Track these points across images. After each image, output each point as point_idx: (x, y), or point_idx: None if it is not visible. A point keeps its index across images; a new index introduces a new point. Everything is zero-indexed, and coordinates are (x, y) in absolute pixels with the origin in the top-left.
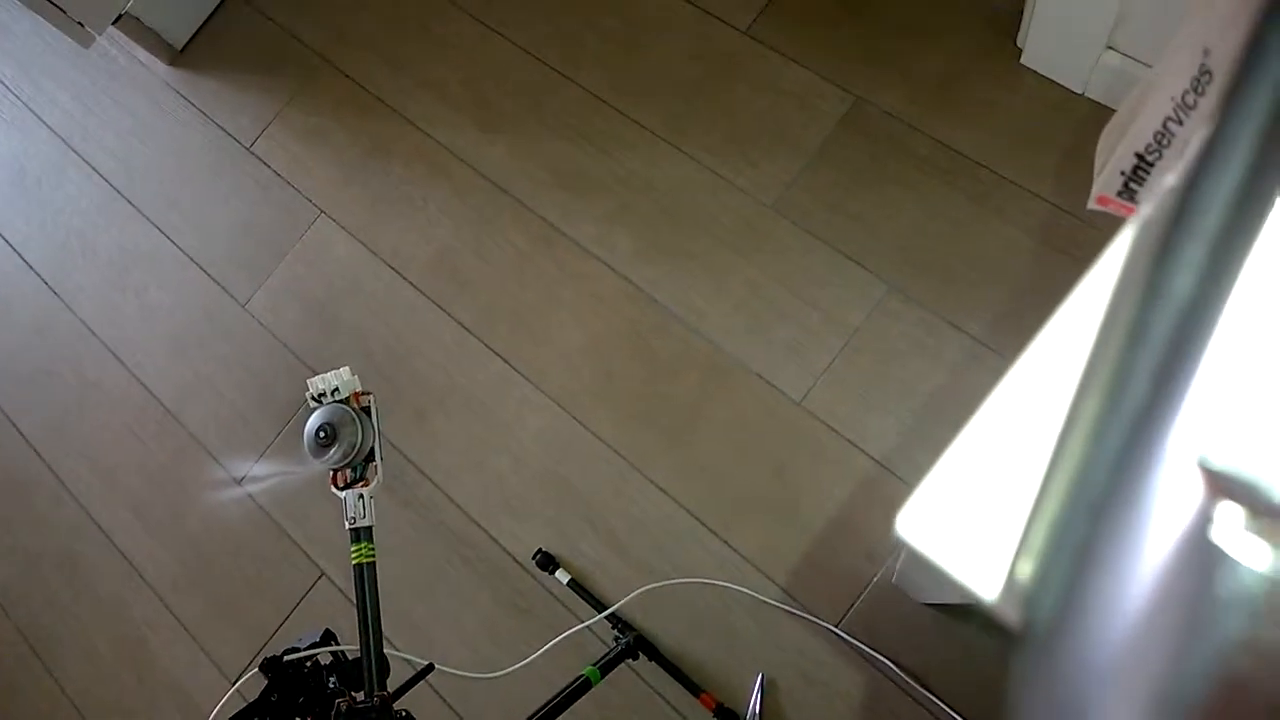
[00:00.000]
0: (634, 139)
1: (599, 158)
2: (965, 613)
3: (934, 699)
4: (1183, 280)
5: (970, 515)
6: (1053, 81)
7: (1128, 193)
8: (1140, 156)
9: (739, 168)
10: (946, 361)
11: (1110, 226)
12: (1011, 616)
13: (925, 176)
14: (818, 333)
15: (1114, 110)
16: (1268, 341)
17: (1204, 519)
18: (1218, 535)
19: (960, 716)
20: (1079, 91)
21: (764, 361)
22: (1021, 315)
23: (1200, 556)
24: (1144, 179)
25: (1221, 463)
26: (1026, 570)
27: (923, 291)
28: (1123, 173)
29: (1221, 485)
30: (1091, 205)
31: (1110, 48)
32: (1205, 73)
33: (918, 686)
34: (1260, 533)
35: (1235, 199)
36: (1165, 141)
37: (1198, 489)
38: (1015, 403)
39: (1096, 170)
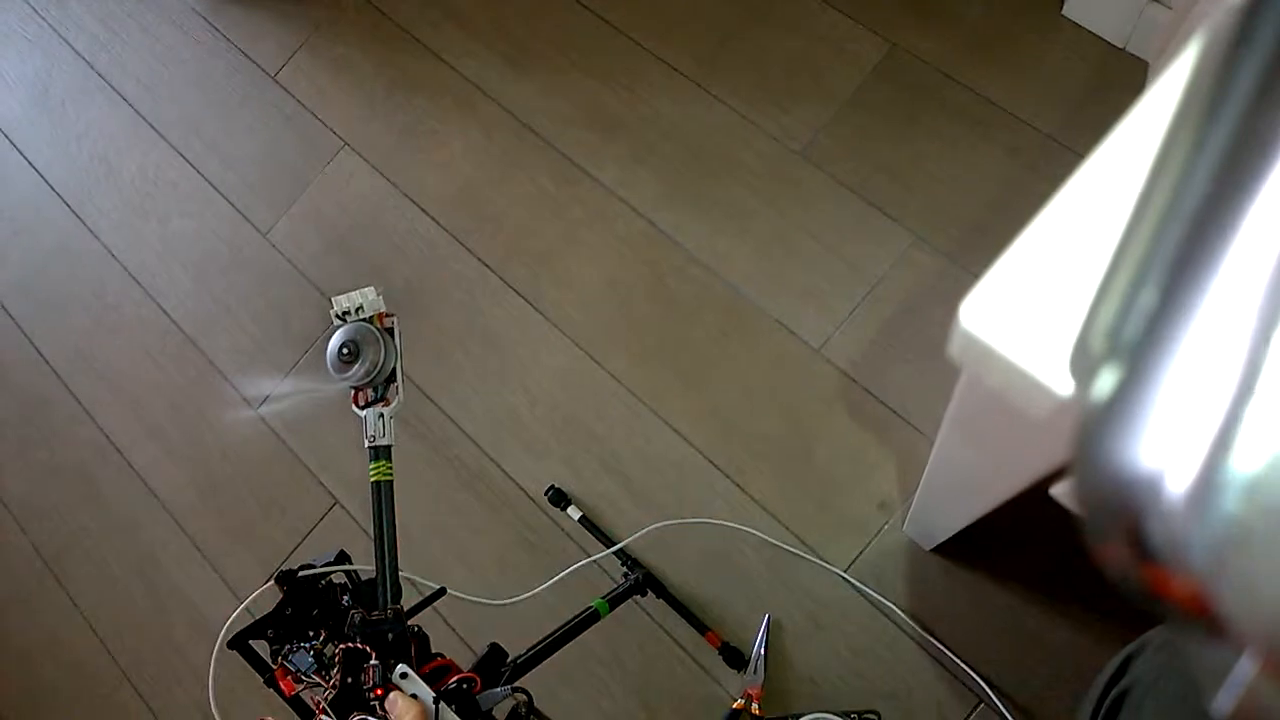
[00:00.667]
0: (663, 80)
1: (627, 98)
2: (972, 556)
3: (940, 646)
4: None
5: (1035, 304)
6: (1095, 35)
7: None
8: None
9: (769, 113)
10: None
11: None
12: (1075, 387)
13: (959, 127)
14: (840, 281)
15: None
16: None
17: None
18: None
19: (966, 664)
20: (1121, 46)
21: (784, 308)
22: None
23: None
24: None
25: None
26: (1109, 312)
27: (950, 244)
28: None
29: None
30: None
31: (1155, 0)
32: None
33: (924, 634)
34: None
35: None
36: None
37: None
38: (1082, 201)
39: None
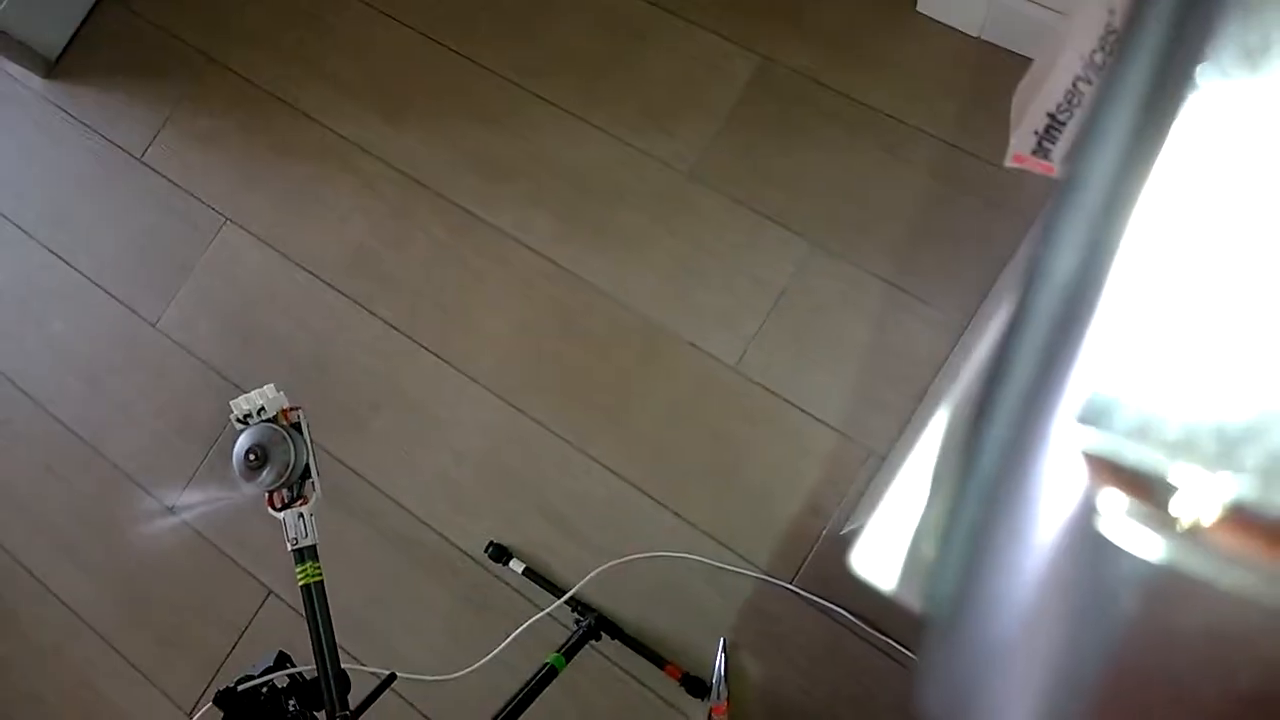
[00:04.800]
0: (544, 117)
1: (510, 139)
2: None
3: (891, 642)
4: (1065, 261)
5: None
6: (948, 26)
7: (1042, 151)
8: (1052, 116)
9: (653, 137)
10: (872, 312)
11: (1020, 170)
12: (916, 604)
13: (835, 131)
14: (745, 296)
15: (1010, 51)
16: (1150, 321)
17: (1089, 506)
18: (1103, 524)
19: (917, 656)
20: (975, 34)
21: (695, 329)
22: (941, 258)
23: (1088, 543)
24: (1057, 137)
25: (1105, 448)
26: (927, 555)
27: (843, 246)
28: (1036, 131)
29: (1106, 471)
30: (1009, 164)
31: None
32: (1111, 32)
33: (874, 632)
34: (1145, 519)
35: (1114, 176)
36: (1075, 100)
37: (1083, 475)
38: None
39: (1012, 127)
